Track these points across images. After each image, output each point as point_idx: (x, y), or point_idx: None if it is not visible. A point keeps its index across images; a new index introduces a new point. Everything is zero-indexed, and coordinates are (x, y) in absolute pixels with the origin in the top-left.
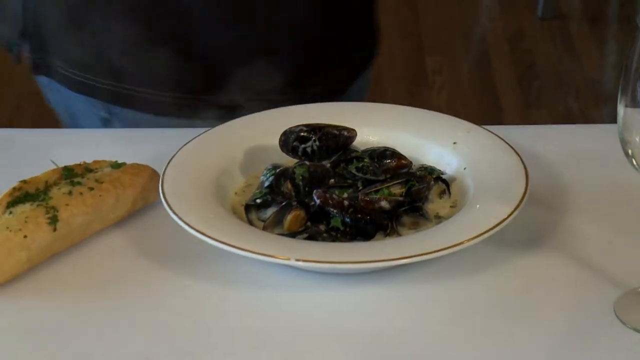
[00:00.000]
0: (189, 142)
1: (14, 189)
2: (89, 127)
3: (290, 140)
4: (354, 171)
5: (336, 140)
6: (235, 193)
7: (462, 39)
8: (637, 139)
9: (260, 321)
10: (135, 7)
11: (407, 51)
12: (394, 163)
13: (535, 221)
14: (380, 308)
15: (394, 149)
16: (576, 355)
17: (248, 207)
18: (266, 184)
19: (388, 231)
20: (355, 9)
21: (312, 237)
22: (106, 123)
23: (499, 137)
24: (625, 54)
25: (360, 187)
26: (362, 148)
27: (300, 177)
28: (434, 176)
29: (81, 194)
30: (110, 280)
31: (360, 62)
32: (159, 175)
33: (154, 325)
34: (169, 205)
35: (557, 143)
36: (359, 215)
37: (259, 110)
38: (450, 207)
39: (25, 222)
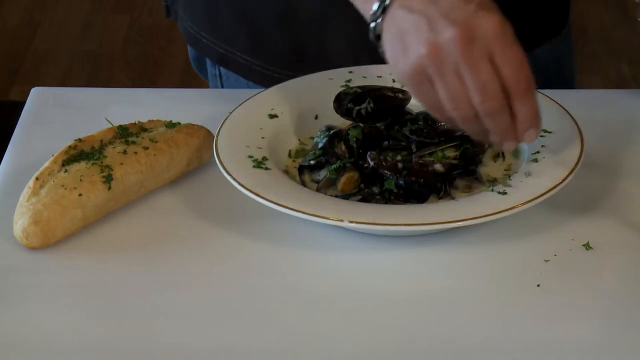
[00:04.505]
0: (244, 102)
1: (70, 147)
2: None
3: (345, 102)
4: (408, 133)
5: (390, 102)
6: (289, 154)
7: None
8: None
9: (312, 282)
10: None
11: None
12: (448, 126)
13: (589, 185)
14: (432, 270)
15: None
16: (631, 317)
17: (302, 169)
18: (320, 145)
19: (441, 194)
20: None
21: (365, 199)
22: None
23: (554, 100)
24: None
25: (414, 150)
26: (417, 110)
27: (354, 139)
28: None
29: (136, 153)
30: (164, 239)
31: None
32: (213, 136)
33: (207, 284)
34: (222, 166)
35: (611, 107)
36: (413, 178)
37: None
38: (505, 170)
39: (80, 180)
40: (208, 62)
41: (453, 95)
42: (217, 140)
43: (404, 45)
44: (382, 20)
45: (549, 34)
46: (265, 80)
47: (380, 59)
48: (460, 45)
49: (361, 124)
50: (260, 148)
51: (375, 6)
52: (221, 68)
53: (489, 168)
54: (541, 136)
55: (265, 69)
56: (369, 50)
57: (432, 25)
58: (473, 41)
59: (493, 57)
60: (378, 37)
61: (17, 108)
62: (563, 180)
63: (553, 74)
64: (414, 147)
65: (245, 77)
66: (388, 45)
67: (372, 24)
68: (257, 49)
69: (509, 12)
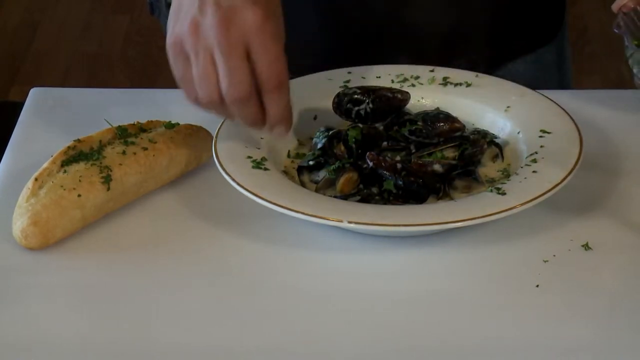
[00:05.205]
0: None
1: (69, 148)
2: None
3: (344, 103)
4: (406, 134)
5: (389, 103)
6: (288, 155)
7: None
8: None
9: (311, 282)
10: None
11: None
12: (447, 126)
13: (589, 186)
14: (431, 271)
15: (447, 112)
16: (630, 317)
17: (301, 169)
18: (319, 145)
19: (440, 194)
20: None
21: (364, 200)
22: None
23: (552, 101)
24: None
25: (413, 150)
26: (415, 111)
27: (353, 140)
28: (487, 140)
29: (135, 153)
30: (163, 239)
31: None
32: (212, 136)
33: (206, 285)
34: (221, 166)
35: (610, 108)
36: (412, 178)
37: None
38: (503, 171)
39: (79, 181)
40: None
41: (201, 75)
42: (216, 140)
43: (176, 17)
44: None
45: (544, 38)
46: None
47: (368, 61)
48: (217, 28)
49: (360, 125)
50: (259, 148)
51: None
52: None
53: (488, 168)
54: (540, 137)
55: None
56: (348, 49)
57: (202, 6)
58: (231, 28)
59: (249, 49)
60: (168, 6)
61: (16, 108)
62: (562, 181)
63: (549, 78)
64: (413, 147)
65: None
66: (169, 17)
67: None
68: None
69: (504, 17)
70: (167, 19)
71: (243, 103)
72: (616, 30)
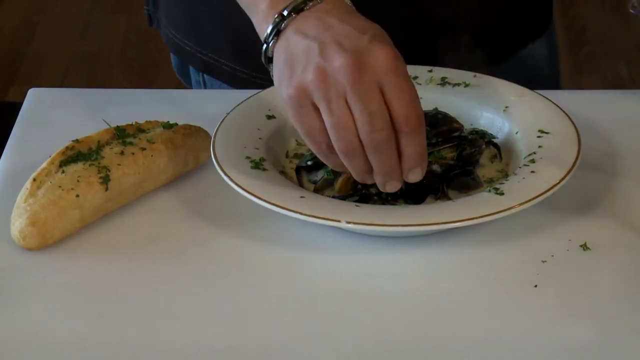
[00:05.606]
0: (241, 103)
1: (67, 148)
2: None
3: None
4: None
5: None
6: (287, 155)
7: None
8: None
9: (310, 282)
10: None
11: None
12: (445, 126)
13: (587, 186)
14: (429, 271)
15: (445, 113)
16: (629, 317)
17: (299, 169)
18: None
19: (439, 195)
20: None
21: (362, 200)
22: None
23: (551, 101)
24: None
25: None
26: None
27: None
28: (486, 140)
29: (133, 154)
30: (162, 240)
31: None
32: (210, 136)
33: (204, 285)
34: (220, 167)
35: (608, 108)
36: None
37: None
38: (502, 171)
39: (78, 181)
40: (191, 69)
41: (339, 123)
42: (214, 141)
43: (291, 69)
44: (274, 43)
45: (532, 35)
46: (250, 87)
47: None
48: (350, 72)
49: None
50: (257, 149)
51: (269, 28)
52: (205, 75)
53: (486, 169)
54: (538, 137)
55: (250, 75)
56: None
57: (323, 51)
58: (363, 70)
59: (383, 90)
60: (270, 59)
61: (15, 109)
62: (560, 181)
63: (537, 75)
64: None
65: (230, 84)
66: (276, 69)
67: (265, 46)
68: (241, 56)
69: (491, 14)
70: (167, 29)
71: (385, 147)
72: (632, 11)
